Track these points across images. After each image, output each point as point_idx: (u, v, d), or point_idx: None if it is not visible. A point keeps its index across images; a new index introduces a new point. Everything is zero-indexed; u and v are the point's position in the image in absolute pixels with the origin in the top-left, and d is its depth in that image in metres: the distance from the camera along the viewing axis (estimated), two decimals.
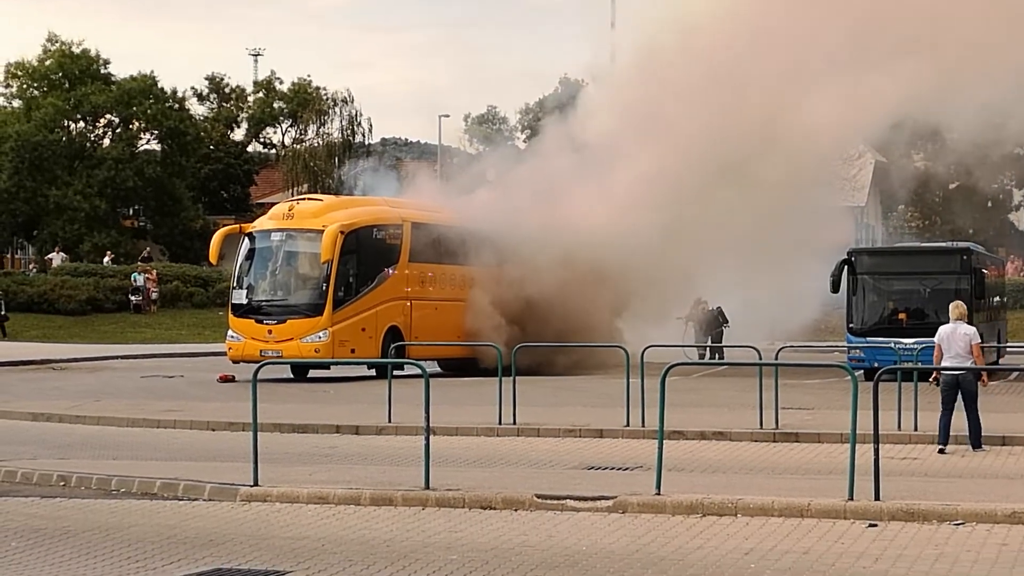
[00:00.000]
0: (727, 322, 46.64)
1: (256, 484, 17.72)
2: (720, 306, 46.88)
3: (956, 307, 22.65)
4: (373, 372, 39.78)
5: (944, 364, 22.07)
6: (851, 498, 16.04)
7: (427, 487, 17.20)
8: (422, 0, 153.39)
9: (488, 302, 41.50)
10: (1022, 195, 73.25)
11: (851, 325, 40.01)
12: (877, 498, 15.97)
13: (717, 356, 43.96)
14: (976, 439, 22.49)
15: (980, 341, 22.33)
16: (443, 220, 42.72)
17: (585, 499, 16.62)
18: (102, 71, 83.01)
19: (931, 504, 15.80)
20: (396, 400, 27.49)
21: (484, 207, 42.24)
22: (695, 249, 43.65)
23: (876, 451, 16.28)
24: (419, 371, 19.47)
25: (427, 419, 17.68)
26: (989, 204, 71.81)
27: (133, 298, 65.91)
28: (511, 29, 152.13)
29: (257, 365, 20.18)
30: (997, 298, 46.53)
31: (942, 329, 22.47)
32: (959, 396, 22.21)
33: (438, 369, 42.66)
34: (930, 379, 23.02)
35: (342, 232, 39.31)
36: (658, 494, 16.58)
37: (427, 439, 17.54)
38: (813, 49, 43.42)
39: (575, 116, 47.86)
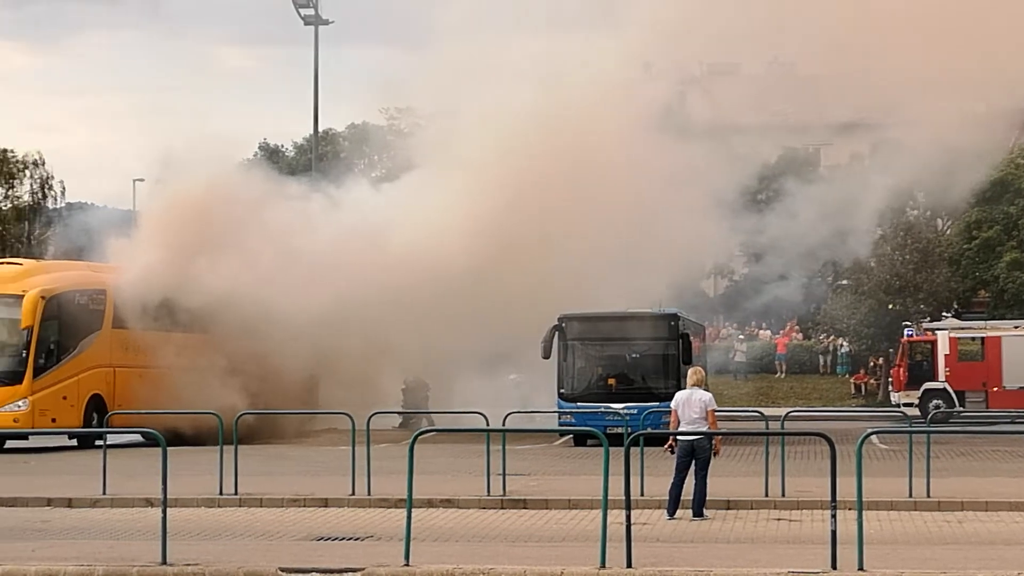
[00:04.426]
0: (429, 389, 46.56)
1: None
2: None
3: (695, 373, 22.69)
4: (74, 442, 38.50)
5: (681, 430, 22.10)
6: (603, 565, 15.85)
7: (164, 562, 16.43)
8: (108, 65, 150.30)
9: (204, 369, 40.44)
10: (712, 264, 74.98)
11: (561, 390, 40.24)
12: (630, 565, 15.81)
13: (427, 421, 43.68)
14: (699, 507, 22.56)
15: (716, 407, 22.45)
16: None
17: (331, 571, 16.08)
18: None
19: (684, 570, 15.73)
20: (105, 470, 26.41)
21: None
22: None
23: (628, 518, 16.11)
24: (123, 441, 18.65)
25: (164, 490, 16.91)
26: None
27: None
28: (203, 95, 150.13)
29: None
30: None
31: (679, 395, 22.49)
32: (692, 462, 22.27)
33: (140, 439, 41.32)
34: (665, 446, 23.02)
35: (43, 297, 38.10)
36: (407, 565, 16.13)
37: (164, 511, 16.77)
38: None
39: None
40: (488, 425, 28.13)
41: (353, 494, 25.06)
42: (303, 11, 64.34)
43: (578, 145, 43.02)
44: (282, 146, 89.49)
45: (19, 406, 37.42)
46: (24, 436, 37.93)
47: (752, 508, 23.90)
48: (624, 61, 44.85)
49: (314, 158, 68.66)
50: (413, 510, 22.93)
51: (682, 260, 47.67)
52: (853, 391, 64.60)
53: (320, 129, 71.18)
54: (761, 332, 72.76)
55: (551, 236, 42.65)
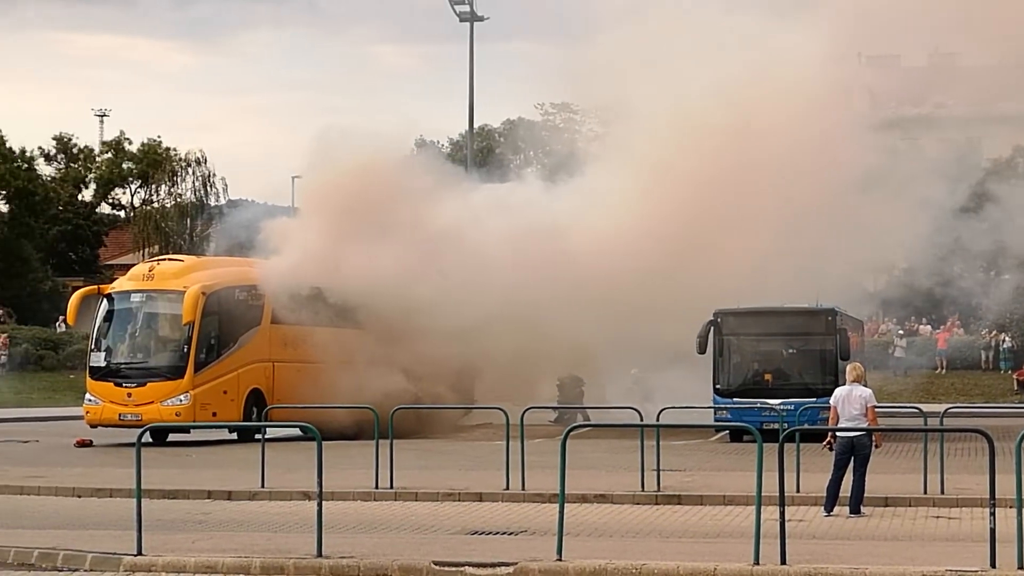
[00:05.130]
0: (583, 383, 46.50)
1: (140, 553, 16.99)
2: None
3: (853, 369, 22.42)
4: (234, 435, 39.10)
5: (840, 426, 21.82)
6: (757, 562, 15.74)
7: (320, 555, 16.60)
8: (268, 64, 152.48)
9: (362, 363, 40.64)
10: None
11: (717, 386, 39.93)
12: (784, 562, 15.70)
13: (582, 417, 43.62)
14: (856, 504, 22.31)
15: (876, 403, 22.17)
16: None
17: (484, 566, 16.16)
18: None
19: (839, 568, 15.56)
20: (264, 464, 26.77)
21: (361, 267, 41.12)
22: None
23: (782, 514, 16.01)
24: (282, 435, 18.86)
25: (320, 484, 17.09)
26: None
27: None
28: (361, 93, 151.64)
29: (141, 430, 19.65)
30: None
31: (838, 391, 22.24)
32: (851, 459, 21.99)
33: (298, 433, 41.76)
34: (824, 442, 22.76)
35: (204, 293, 38.58)
36: (559, 560, 16.14)
37: (319, 505, 16.95)
38: None
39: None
40: (642, 420, 27.97)
41: (507, 489, 25.13)
42: (458, 8, 64.76)
43: (760, 139, 42.22)
44: (438, 142, 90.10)
45: (181, 400, 38.04)
46: (186, 429, 38.53)
47: (910, 505, 23.58)
48: (807, 51, 43.81)
49: (469, 154, 69.07)
50: (566, 505, 22.98)
51: (867, 259, 46.75)
52: (1015, 387, 63.39)
53: (475, 125, 71.57)
54: (921, 327, 71.66)
55: (731, 232, 42.01)
